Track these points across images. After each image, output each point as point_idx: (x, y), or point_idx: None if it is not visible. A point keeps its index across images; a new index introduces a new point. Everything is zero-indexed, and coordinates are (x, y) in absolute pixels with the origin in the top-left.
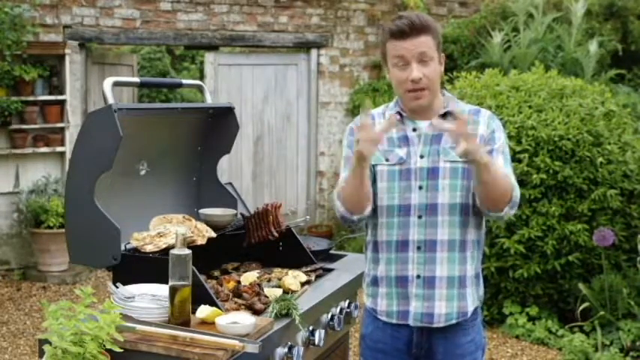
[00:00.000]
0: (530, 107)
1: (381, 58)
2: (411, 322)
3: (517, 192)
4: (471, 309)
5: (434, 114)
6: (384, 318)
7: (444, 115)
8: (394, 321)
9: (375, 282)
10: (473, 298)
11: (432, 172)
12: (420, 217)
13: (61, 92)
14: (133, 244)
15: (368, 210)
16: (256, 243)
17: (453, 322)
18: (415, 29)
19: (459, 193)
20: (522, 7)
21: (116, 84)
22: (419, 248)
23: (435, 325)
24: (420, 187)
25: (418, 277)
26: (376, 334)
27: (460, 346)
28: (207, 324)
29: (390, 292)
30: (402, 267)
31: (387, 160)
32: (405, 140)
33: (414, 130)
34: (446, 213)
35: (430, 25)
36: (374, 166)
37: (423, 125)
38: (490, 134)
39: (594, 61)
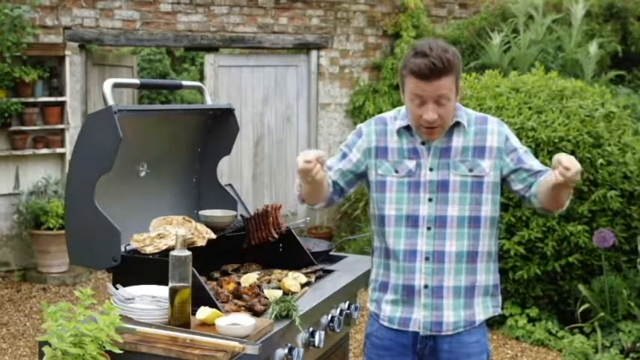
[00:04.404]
0: (530, 108)
1: (399, 80)
2: (420, 331)
3: None
4: (480, 318)
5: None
6: (385, 323)
7: (452, 127)
8: (395, 327)
9: (381, 288)
10: (484, 307)
11: (442, 185)
12: (429, 228)
13: (61, 94)
14: (133, 245)
15: (320, 205)
16: (256, 244)
17: (461, 330)
18: (436, 72)
19: (467, 207)
20: (522, 8)
21: (116, 85)
22: (427, 259)
23: (443, 333)
24: (430, 200)
25: (426, 286)
26: (381, 331)
27: (466, 346)
28: (208, 325)
29: (396, 299)
30: (409, 276)
31: (396, 171)
32: (414, 152)
33: (423, 143)
34: (455, 225)
35: (452, 64)
36: (383, 176)
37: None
38: (505, 143)
39: (594, 62)
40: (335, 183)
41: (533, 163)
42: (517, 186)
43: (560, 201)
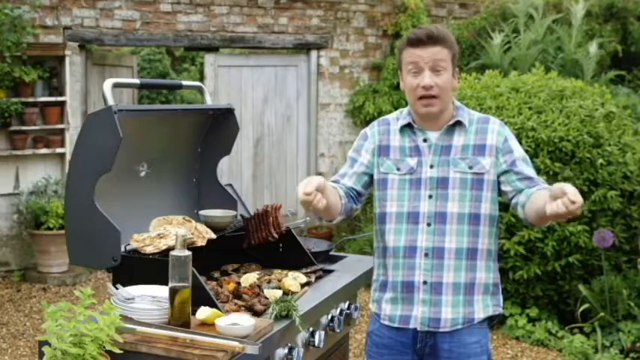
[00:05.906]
0: (530, 108)
1: (397, 68)
2: (418, 327)
3: None
4: (479, 316)
5: (443, 124)
6: (386, 322)
7: (453, 125)
8: (396, 325)
9: (381, 287)
10: (484, 305)
11: (442, 182)
12: (429, 224)
13: (61, 94)
14: (133, 245)
15: (339, 219)
16: (256, 244)
17: (459, 327)
18: (432, 39)
19: (467, 203)
20: (522, 8)
21: (116, 85)
22: (426, 255)
23: (441, 330)
24: (430, 196)
25: (425, 282)
26: (382, 330)
27: (466, 345)
28: (207, 325)
29: (395, 296)
30: (408, 272)
31: (398, 169)
32: (416, 150)
33: (425, 140)
34: (454, 222)
35: (447, 37)
36: (385, 174)
37: (433, 136)
38: (504, 144)
39: (594, 62)
40: (351, 189)
41: (525, 169)
42: (506, 187)
43: (546, 222)
